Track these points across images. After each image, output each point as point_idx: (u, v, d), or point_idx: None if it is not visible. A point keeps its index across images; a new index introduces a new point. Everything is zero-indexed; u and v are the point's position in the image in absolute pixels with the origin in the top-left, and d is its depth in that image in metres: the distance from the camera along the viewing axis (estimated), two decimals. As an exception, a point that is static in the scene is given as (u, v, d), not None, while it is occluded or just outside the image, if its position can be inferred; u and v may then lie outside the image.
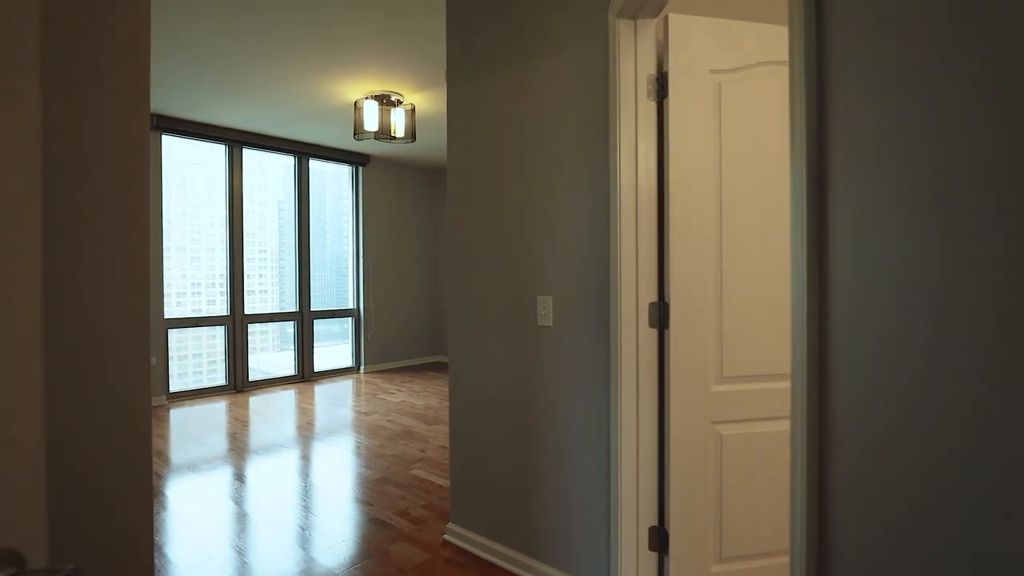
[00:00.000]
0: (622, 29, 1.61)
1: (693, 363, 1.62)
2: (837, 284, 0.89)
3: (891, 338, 0.79)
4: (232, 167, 5.24)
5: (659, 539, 1.66)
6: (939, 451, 0.73)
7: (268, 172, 5.72)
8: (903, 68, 0.78)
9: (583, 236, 1.81)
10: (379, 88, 3.91)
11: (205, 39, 3.13)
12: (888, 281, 0.80)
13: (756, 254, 1.64)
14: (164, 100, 4.22)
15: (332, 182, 6.38)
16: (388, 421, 4.20)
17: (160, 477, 3.04)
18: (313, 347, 5.91)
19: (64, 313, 0.93)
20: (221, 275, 5.30)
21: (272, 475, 3.07)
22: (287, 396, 5.12)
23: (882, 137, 0.81)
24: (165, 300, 4.85)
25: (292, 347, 5.85)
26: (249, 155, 5.41)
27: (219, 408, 4.65)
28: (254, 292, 5.55)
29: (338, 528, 2.44)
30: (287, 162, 5.78)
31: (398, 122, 4.09)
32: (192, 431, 3.95)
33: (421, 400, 4.89)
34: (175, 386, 4.97)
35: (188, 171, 5.25)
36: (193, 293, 5.22)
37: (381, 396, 5.08)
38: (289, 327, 5.85)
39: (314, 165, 5.94)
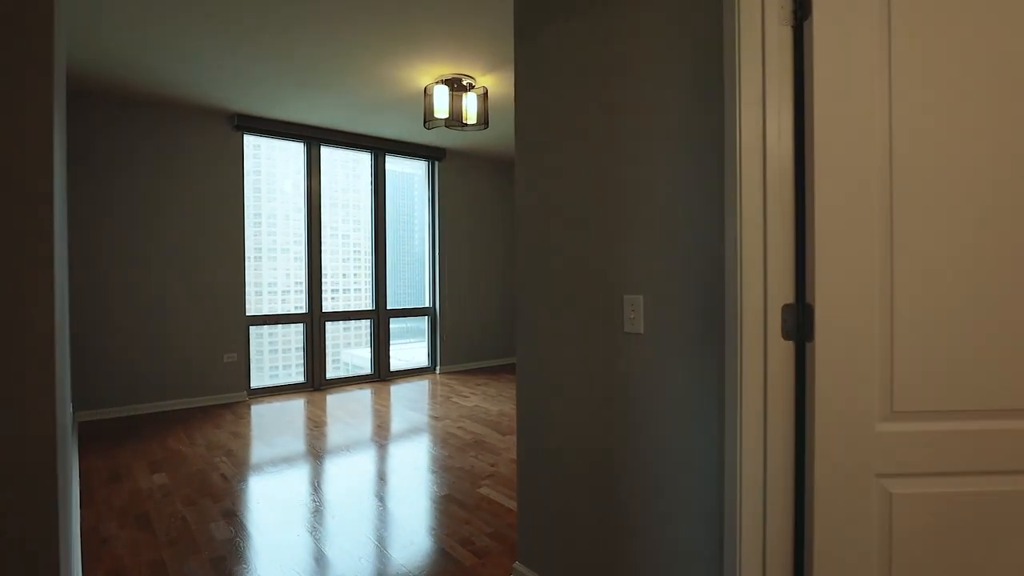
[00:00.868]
0: (744, -69, 1.17)
1: (847, 390, 1.15)
2: None
3: None
4: (311, 165, 5.23)
5: (794, 628, 1.20)
6: None
7: (346, 170, 5.69)
8: None
9: (686, 219, 1.39)
10: (449, 71, 3.64)
11: (276, 29, 3.00)
12: None
13: (958, 242, 1.14)
14: (242, 98, 4.22)
15: (408, 178, 6.27)
16: (459, 428, 3.93)
17: (227, 478, 2.95)
18: (389, 346, 5.82)
19: None
20: (300, 273, 5.31)
21: (338, 485, 2.88)
22: (363, 396, 5.03)
23: None
24: (248, 298, 4.91)
25: (369, 345, 5.78)
26: (327, 153, 5.39)
27: (296, 406, 4.63)
28: (338, 290, 5.53)
29: (396, 557, 2.17)
30: (364, 159, 5.72)
31: (470, 107, 3.81)
32: (266, 430, 3.90)
33: (495, 405, 4.59)
34: (256, 382, 5.03)
35: (273, 170, 5.32)
36: (270, 292, 5.27)
37: (455, 399, 4.84)
38: (369, 325, 5.79)
39: (391, 162, 5.84)
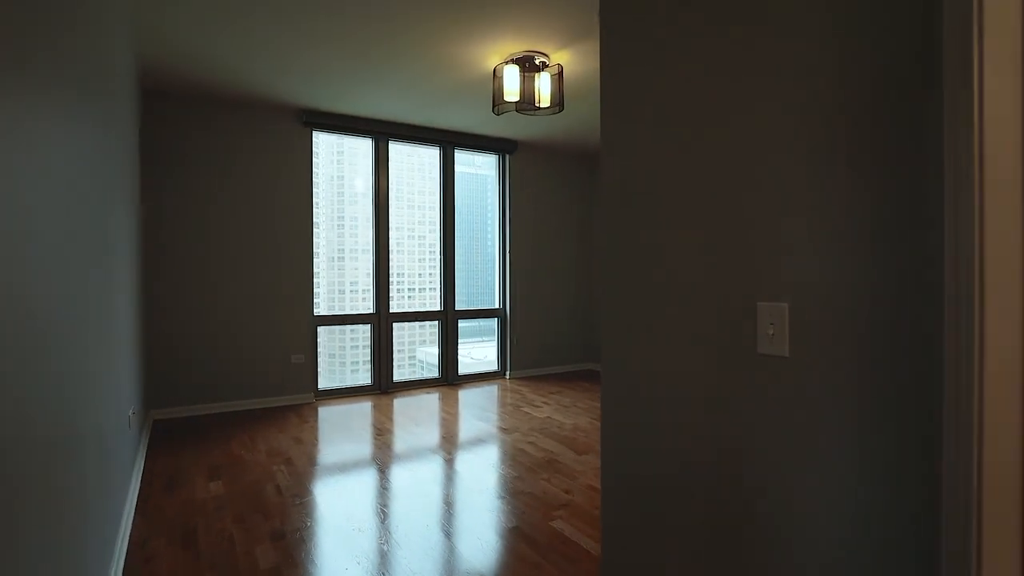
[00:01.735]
0: None
1: None
2: None
3: None
4: (379, 161, 5.07)
5: None
6: None
7: (414, 166, 5.49)
8: None
9: (861, 200, 0.93)
10: (519, 48, 3.29)
11: (335, 8, 2.78)
12: None
13: None
14: (308, 90, 4.09)
15: (482, 179, 5.99)
16: (530, 443, 3.56)
17: (282, 492, 2.76)
18: (457, 349, 5.56)
19: None
20: (368, 273, 5.17)
21: (398, 509, 2.60)
22: (430, 401, 4.79)
23: None
24: (316, 298, 4.81)
25: (437, 347, 5.56)
26: (395, 149, 5.21)
27: (361, 410, 4.46)
28: (402, 290, 5.35)
29: (451, 606, 1.83)
30: (432, 155, 5.50)
31: (543, 88, 3.44)
32: (328, 436, 3.73)
33: (569, 418, 4.18)
34: (323, 384, 4.93)
35: (343, 168, 5.21)
36: (340, 292, 5.16)
37: (525, 409, 4.49)
38: (437, 326, 5.57)
39: (461, 162, 5.58)
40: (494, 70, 3.43)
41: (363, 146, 5.13)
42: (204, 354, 4.28)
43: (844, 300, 0.97)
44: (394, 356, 5.24)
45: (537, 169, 5.93)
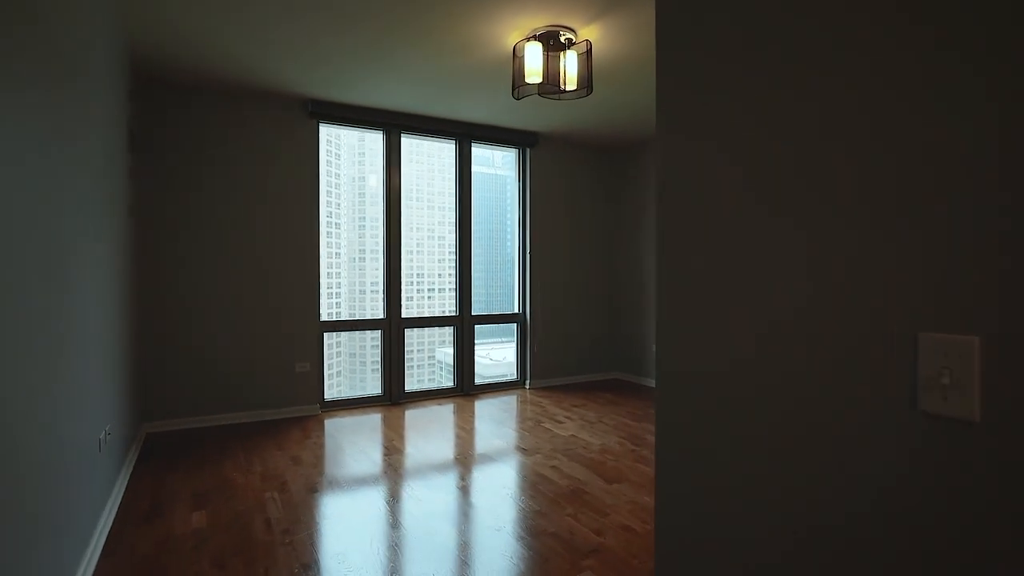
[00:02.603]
0: None
1: None
2: None
3: None
4: (390, 156, 4.74)
5: None
6: None
7: (428, 160, 5.15)
8: None
9: None
10: (542, 23, 2.91)
11: (324, -28, 2.44)
12: None
13: None
14: (314, 78, 3.77)
15: (496, 173, 5.63)
16: (553, 468, 3.18)
17: (271, 527, 2.42)
18: (474, 357, 5.20)
19: None
20: (378, 276, 4.84)
21: (404, 549, 2.24)
22: (444, 414, 4.43)
23: None
24: (322, 303, 4.50)
25: (451, 354, 5.21)
26: (408, 144, 4.87)
27: (369, 424, 4.12)
28: (413, 295, 5.01)
29: None
30: (447, 149, 5.15)
31: (569, 68, 3.05)
32: (331, 456, 3.40)
33: (595, 437, 3.78)
34: (329, 394, 4.61)
35: (351, 164, 4.91)
36: (361, 292, 4.84)
37: (547, 424, 4.10)
38: (451, 332, 5.22)
39: (477, 156, 5.22)
40: (514, 49, 3.06)
41: (373, 140, 4.80)
42: (203, 364, 3.99)
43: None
44: (406, 364, 4.90)
45: (560, 163, 5.54)
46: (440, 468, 3.18)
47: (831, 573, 0.82)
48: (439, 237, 5.16)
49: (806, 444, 0.86)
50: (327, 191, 4.70)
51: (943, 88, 0.70)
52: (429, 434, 3.87)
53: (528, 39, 2.99)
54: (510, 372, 5.50)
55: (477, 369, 5.26)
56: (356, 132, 4.81)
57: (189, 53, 3.32)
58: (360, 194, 4.91)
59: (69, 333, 1.95)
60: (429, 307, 5.10)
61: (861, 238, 0.78)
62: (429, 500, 2.73)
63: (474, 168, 5.17)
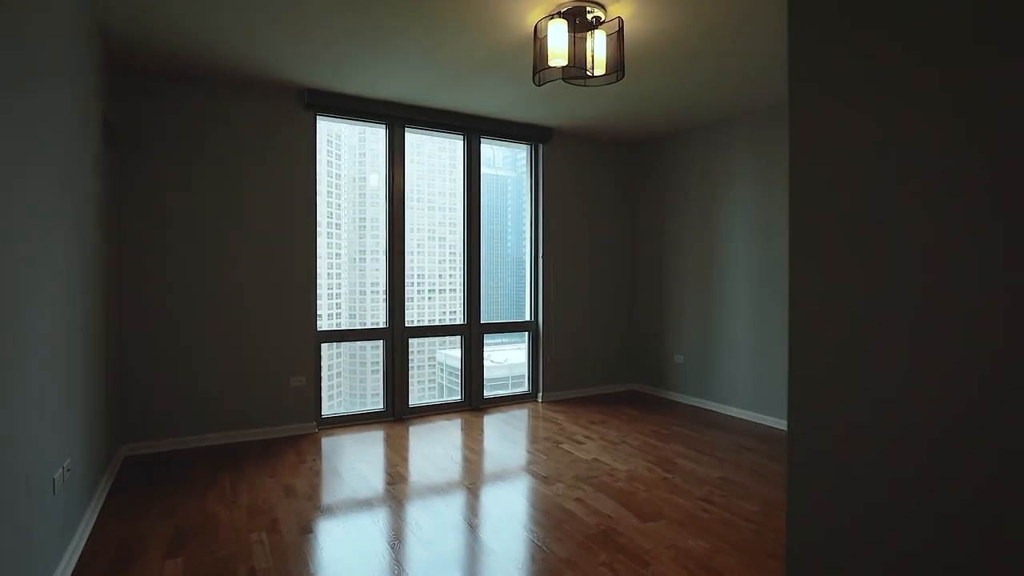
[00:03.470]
0: None
1: None
2: None
3: None
4: (393, 152, 4.38)
5: None
6: None
7: (428, 161, 4.80)
8: None
9: None
10: (570, -3, 2.55)
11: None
12: None
13: None
14: (311, 65, 3.41)
15: (495, 169, 5.28)
16: (577, 501, 2.82)
17: (254, 583, 2.06)
18: (483, 369, 4.84)
19: None
20: (380, 281, 4.49)
21: (399, 612, 1.89)
22: (451, 432, 4.08)
23: None
24: (320, 310, 4.14)
25: (452, 356, 4.85)
26: (412, 139, 4.52)
27: (371, 445, 3.76)
28: (415, 301, 4.66)
29: None
30: (448, 149, 4.80)
31: (597, 50, 2.70)
32: (328, 484, 3.04)
33: (621, 461, 3.42)
34: (327, 409, 4.25)
35: (351, 161, 4.56)
36: (348, 303, 4.49)
37: (565, 446, 3.74)
38: (459, 342, 4.86)
39: (486, 149, 4.87)
40: (535, 28, 2.70)
41: (375, 135, 4.45)
42: (188, 379, 3.63)
43: None
44: (410, 369, 4.54)
45: (575, 160, 5.18)
46: (449, 500, 2.82)
47: None
48: (439, 238, 4.81)
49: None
50: (328, 191, 4.36)
51: None
52: (436, 457, 3.51)
53: (551, 16, 2.64)
54: (510, 373, 5.14)
55: (486, 380, 4.90)
56: (356, 129, 4.46)
57: (169, 35, 2.97)
58: (360, 195, 4.57)
59: (21, 358, 1.61)
60: (430, 308, 4.74)
61: None
62: (438, 543, 2.37)
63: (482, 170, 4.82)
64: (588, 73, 2.72)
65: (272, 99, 3.85)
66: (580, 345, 5.25)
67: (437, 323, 4.74)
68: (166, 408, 3.58)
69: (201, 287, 3.66)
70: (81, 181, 2.45)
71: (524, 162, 5.23)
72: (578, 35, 2.69)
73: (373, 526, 2.53)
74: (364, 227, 4.54)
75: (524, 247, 5.22)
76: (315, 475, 3.18)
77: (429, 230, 4.73)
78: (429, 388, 4.88)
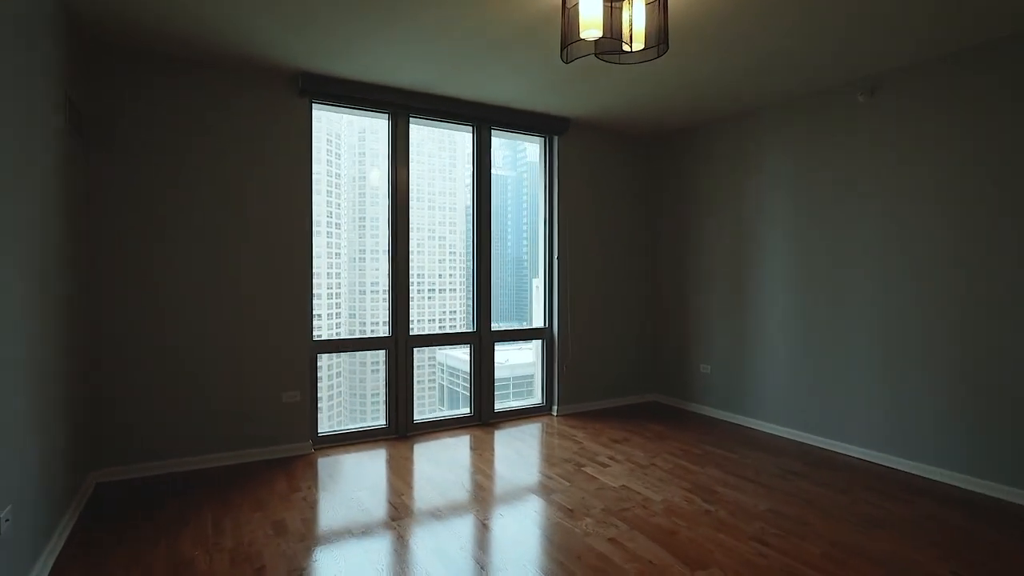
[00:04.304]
0: None
1: None
2: None
3: None
4: (396, 143, 4.01)
5: None
6: None
7: (428, 161, 4.43)
8: None
9: None
10: (607, -45, 2.18)
11: None
12: None
13: None
14: (305, 45, 3.04)
15: (495, 169, 4.91)
16: (611, 542, 2.44)
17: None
18: (493, 380, 4.47)
19: None
20: (382, 285, 4.11)
21: None
22: (460, 452, 3.70)
23: None
24: (316, 319, 3.77)
25: (453, 356, 4.48)
26: (416, 130, 4.14)
27: (372, 468, 3.39)
28: (427, 295, 4.29)
29: None
30: (448, 149, 4.43)
31: (635, 21, 2.32)
32: (325, 517, 2.67)
33: (654, 489, 3.05)
34: (324, 426, 3.88)
35: (351, 155, 4.20)
36: (349, 311, 4.12)
37: (588, 469, 3.37)
38: (468, 351, 4.49)
39: (497, 141, 4.49)
40: (563, -4, 2.33)
41: (377, 125, 4.08)
42: (168, 395, 3.26)
43: None
44: (415, 388, 4.17)
45: (593, 154, 4.81)
46: (461, 540, 2.44)
47: None
48: (439, 237, 4.44)
49: None
50: (328, 191, 4.00)
51: None
52: (444, 484, 3.13)
53: (584, -19, 2.26)
54: (512, 374, 4.76)
55: (497, 387, 4.52)
56: (356, 128, 4.10)
57: (152, 15, 2.59)
58: (360, 193, 4.20)
59: None
60: (430, 308, 4.36)
61: None
62: (455, 601, 2.00)
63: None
64: (625, 47, 2.34)
65: (262, 85, 3.48)
66: (598, 354, 4.87)
67: (437, 323, 4.37)
68: (144, 429, 3.20)
69: (183, 295, 3.29)
70: (35, 172, 2.08)
71: (526, 161, 4.87)
72: (615, 4, 2.32)
73: (368, 571, 2.16)
74: (364, 227, 4.17)
75: (523, 247, 4.87)
76: (309, 507, 2.80)
77: (429, 229, 4.36)
78: (430, 392, 4.50)
